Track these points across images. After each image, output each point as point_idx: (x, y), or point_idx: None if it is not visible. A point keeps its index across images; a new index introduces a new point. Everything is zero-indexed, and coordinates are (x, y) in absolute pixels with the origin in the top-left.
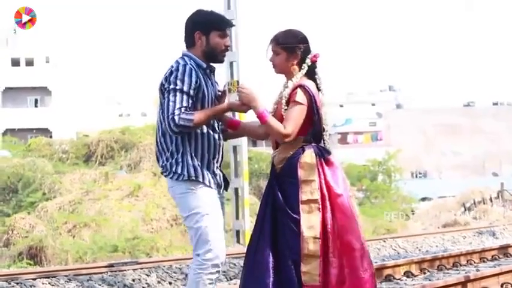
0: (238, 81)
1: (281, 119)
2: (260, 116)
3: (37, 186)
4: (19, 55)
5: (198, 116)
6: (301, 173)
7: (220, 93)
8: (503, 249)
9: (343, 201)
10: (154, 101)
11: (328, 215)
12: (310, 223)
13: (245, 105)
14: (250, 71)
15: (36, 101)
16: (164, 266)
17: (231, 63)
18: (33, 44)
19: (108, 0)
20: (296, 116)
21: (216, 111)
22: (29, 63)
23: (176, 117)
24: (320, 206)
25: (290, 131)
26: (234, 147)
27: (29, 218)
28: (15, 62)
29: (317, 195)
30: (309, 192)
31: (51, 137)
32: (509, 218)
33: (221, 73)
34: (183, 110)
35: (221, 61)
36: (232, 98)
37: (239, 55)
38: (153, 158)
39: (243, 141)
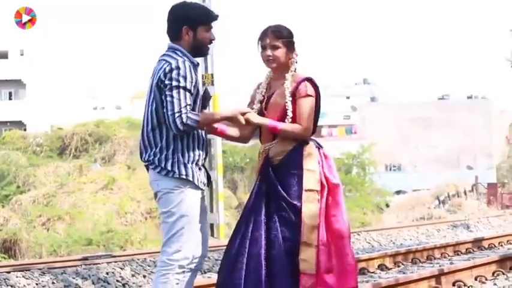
0: (212, 75)
1: (284, 110)
2: (272, 129)
3: (11, 179)
4: None
5: (203, 117)
6: (306, 163)
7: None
8: (477, 242)
9: (339, 192)
10: (131, 97)
11: (323, 204)
12: (311, 212)
13: (249, 124)
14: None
15: (10, 94)
16: (138, 259)
17: (205, 57)
18: (7, 36)
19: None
20: (311, 110)
21: (219, 117)
22: (3, 55)
23: (184, 116)
24: (319, 197)
25: (309, 126)
26: (208, 141)
27: (3, 211)
28: None
29: (318, 186)
30: (312, 182)
31: (25, 130)
32: (484, 211)
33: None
34: (188, 109)
35: (206, 55)
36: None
37: (213, 48)
38: (127, 151)
39: None
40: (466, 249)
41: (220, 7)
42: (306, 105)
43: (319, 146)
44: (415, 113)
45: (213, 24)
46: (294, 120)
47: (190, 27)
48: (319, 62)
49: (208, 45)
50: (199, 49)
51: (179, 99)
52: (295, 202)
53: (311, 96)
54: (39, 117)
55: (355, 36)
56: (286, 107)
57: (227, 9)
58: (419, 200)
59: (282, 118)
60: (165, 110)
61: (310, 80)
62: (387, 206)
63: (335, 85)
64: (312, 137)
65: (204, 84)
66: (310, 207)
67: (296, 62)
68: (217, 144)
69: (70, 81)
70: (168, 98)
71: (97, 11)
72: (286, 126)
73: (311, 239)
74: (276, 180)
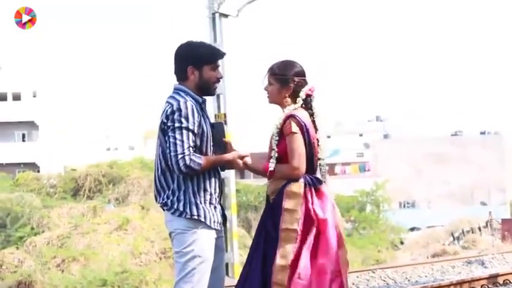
0: (225, 114)
1: (270, 148)
2: (266, 170)
3: (25, 220)
4: (6, 90)
5: (205, 161)
6: (285, 202)
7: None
8: (492, 278)
9: (328, 226)
10: (144, 135)
11: (311, 238)
12: (284, 252)
13: (246, 166)
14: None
15: (23, 135)
16: None
17: (218, 96)
18: (20, 78)
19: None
20: (298, 147)
21: (221, 161)
22: (16, 97)
23: (187, 158)
24: (299, 236)
25: (297, 164)
26: (222, 180)
27: (17, 253)
28: (2, 97)
29: (296, 226)
30: (289, 221)
31: (38, 171)
32: (498, 246)
33: (208, 106)
34: (191, 151)
35: (213, 94)
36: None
37: (226, 87)
38: (141, 191)
39: (230, 173)
40: (481, 286)
41: (233, 46)
42: (293, 143)
43: (312, 183)
44: (428, 149)
45: (220, 62)
46: (280, 157)
47: (195, 67)
48: (331, 100)
49: (216, 84)
50: (206, 88)
51: (182, 141)
52: (276, 242)
53: (295, 133)
54: (53, 159)
55: (367, 73)
56: (272, 147)
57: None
58: (433, 237)
59: None
60: (168, 151)
61: (293, 116)
62: (402, 243)
63: (348, 122)
64: (315, 173)
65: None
66: (284, 246)
67: (297, 102)
68: (231, 183)
69: (83, 122)
70: (171, 139)
71: (109, 47)
72: (278, 167)
73: (280, 279)
74: (271, 220)
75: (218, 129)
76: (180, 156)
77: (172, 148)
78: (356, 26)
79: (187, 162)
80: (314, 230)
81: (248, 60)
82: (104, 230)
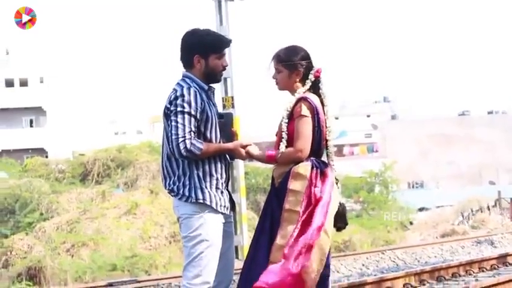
0: (232, 98)
1: (281, 132)
2: (269, 157)
3: (34, 206)
4: (13, 76)
5: (206, 147)
6: (290, 182)
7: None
8: (502, 258)
9: (318, 205)
10: (150, 119)
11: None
12: (285, 232)
13: (250, 156)
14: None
15: (31, 121)
16: (164, 284)
17: (225, 80)
18: (27, 64)
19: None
20: (305, 130)
21: (222, 149)
22: (23, 83)
23: (187, 142)
24: (300, 218)
25: (301, 147)
26: (229, 164)
27: (27, 239)
28: (9, 83)
29: (299, 208)
30: (293, 203)
31: (47, 157)
32: (507, 226)
33: (216, 89)
34: (193, 135)
35: (219, 81)
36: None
37: (233, 71)
38: (149, 175)
39: None
40: (491, 266)
41: (239, 29)
42: (300, 126)
43: (317, 166)
44: (436, 129)
45: (226, 50)
46: (290, 141)
47: (201, 56)
48: (338, 81)
49: (222, 72)
50: (212, 76)
51: (183, 124)
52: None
53: (305, 116)
54: (61, 144)
55: (374, 54)
56: (282, 129)
57: (247, 30)
58: (442, 217)
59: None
60: (169, 135)
61: (305, 99)
62: (411, 223)
63: (355, 104)
64: (322, 157)
65: (224, 107)
66: (285, 227)
67: (306, 84)
68: (240, 166)
69: (90, 106)
70: (173, 123)
71: (117, 32)
72: (282, 153)
73: (277, 258)
74: (277, 203)
75: (226, 119)
76: (181, 139)
77: (173, 131)
78: (363, 6)
79: (188, 146)
80: (309, 211)
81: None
82: (113, 214)
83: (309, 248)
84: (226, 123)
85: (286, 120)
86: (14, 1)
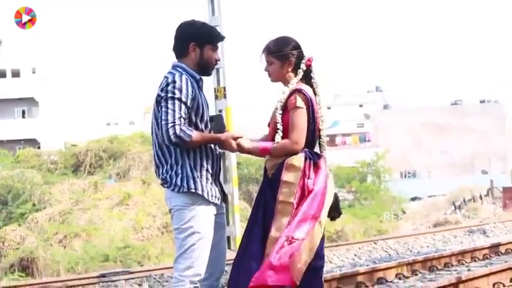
0: (224, 88)
1: (275, 123)
2: (264, 151)
3: (27, 197)
4: (5, 66)
5: (196, 135)
6: (284, 174)
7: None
8: (494, 247)
9: (308, 197)
10: (144, 111)
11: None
12: (280, 225)
13: (241, 149)
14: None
15: (23, 112)
16: (156, 275)
17: (218, 70)
18: (19, 55)
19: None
20: (300, 122)
21: (212, 139)
22: (15, 74)
23: (177, 127)
24: (294, 210)
25: (297, 139)
26: (223, 153)
27: (19, 230)
28: (1, 74)
29: (293, 199)
30: (287, 194)
31: (39, 147)
32: (500, 215)
33: (208, 80)
34: (183, 122)
35: (210, 74)
36: (219, 105)
37: (225, 62)
38: (142, 166)
39: None
40: (483, 256)
41: (231, 19)
42: (295, 117)
43: (311, 157)
44: (428, 119)
45: (219, 44)
46: (285, 132)
47: (197, 45)
48: (330, 71)
49: (214, 66)
50: (205, 67)
51: (174, 110)
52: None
53: (300, 107)
54: (53, 135)
55: (366, 43)
56: (276, 120)
57: (239, 21)
58: (435, 206)
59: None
60: (159, 120)
61: (299, 91)
62: (403, 212)
63: (347, 93)
64: (315, 148)
65: (216, 97)
66: (280, 219)
67: (298, 74)
68: (232, 156)
69: (82, 97)
70: (163, 109)
71: (109, 23)
72: (276, 145)
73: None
74: (270, 194)
75: (217, 121)
76: (170, 125)
77: (163, 117)
78: None
79: (177, 131)
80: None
81: (246, 33)
82: (105, 205)
83: (291, 241)
84: (217, 125)
85: (281, 112)
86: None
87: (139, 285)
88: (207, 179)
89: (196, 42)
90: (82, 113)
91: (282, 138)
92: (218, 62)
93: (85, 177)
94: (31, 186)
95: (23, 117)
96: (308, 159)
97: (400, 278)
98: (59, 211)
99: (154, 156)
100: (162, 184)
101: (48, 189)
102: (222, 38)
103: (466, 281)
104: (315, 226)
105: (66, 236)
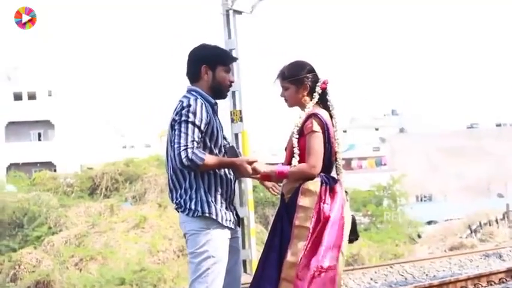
0: (240, 111)
1: (291, 147)
2: (280, 174)
3: (43, 220)
4: (21, 89)
5: (208, 158)
6: (300, 199)
7: (235, 150)
8: (510, 271)
9: (327, 225)
10: (159, 134)
11: (312, 238)
12: (295, 249)
13: (257, 173)
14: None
15: (39, 134)
16: None
17: (233, 93)
18: (35, 77)
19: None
20: (317, 146)
21: (227, 163)
22: (31, 97)
23: (189, 151)
24: (310, 234)
25: (314, 163)
26: (236, 180)
27: (35, 253)
28: (18, 96)
29: (309, 224)
30: (303, 219)
31: (55, 170)
32: None
33: (224, 103)
34: (195, 145)
35: (225, 97)
36: (235, 129)
37: (241, 85)
38: (158, 189)
39: None
40: (500, 279)
41: (247, 43)
42: (312, 141)
43: (327, 182)
44: (444, 142)
45: (232, 66)
46: (302, 157)
47: (209, 67)
48: (347, 95)
49: (228, 87)
50: (219, 89)
51: (186, 134)
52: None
53: (316, 132)
54: (69, 158)
55: (382, 67)
56: (293, 145)
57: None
58: (450, 230)
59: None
60: (172, 144)
61: (315, 115)
62: (419, 236)
63: (363, 117)
64: (331, 172)
65: (232, 121)
66: (296, 243)
67: (314, 98)
68: (248, 180)
69: (98, 120)
70: (176, 132)
71: (125, 46)
72: (293, 169)
73: (290, 275)
74: (287, 219)
75: (230, 152)
76: (182, 148)
77: (176, 140)
78: (370, 20)
79: (190, 155)
80: (318, 229)
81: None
82: (121, 228)
83: (321, 271)
84: (230, 156)
85: (297, 136)
86: (15, 2)
87: None
88: (221, 203)
89: (208, 64)
90: (98, 136)
91: (299, 162)
92: (233, 84)
93: (101, 200)
94: (47, 209)
95: (39, 140)
96: (324, 184)
97: None
98: (75, 234)
99: (168, 180)
100: (176, 209)
101: (64, 212)
102: (234, 59)
103: None
104: (339, 255)
105: (82, 259)
